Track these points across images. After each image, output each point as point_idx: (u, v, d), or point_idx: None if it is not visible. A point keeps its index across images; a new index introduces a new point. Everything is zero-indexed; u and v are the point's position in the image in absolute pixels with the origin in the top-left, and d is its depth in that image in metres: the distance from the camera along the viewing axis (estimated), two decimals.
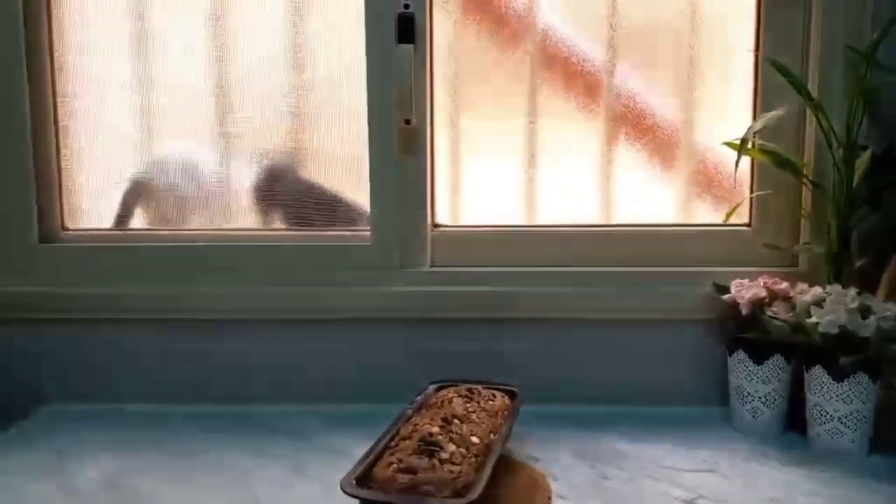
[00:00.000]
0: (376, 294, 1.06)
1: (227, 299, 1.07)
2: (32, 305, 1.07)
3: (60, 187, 1.11)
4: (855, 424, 0.90)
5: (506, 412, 0.88)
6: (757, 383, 0.97)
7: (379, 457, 0.75)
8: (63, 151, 1.11)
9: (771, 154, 0.99)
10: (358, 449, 0.89)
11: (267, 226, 1.12)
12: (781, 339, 0.94)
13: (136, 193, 1.12)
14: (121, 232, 1.12)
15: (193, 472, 0.88)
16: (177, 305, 1.07)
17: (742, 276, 1.02)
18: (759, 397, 0.97)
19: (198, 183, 1.12)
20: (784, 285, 0.98)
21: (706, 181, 1.10)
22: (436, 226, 1.11)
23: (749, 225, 1.09)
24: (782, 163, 0.99)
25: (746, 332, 0.98)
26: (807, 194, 1.03)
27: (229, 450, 0.94)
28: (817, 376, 0.92)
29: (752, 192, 1.08)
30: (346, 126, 1.09)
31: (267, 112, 1.10)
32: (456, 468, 0.71)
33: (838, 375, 0.90)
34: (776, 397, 0.97)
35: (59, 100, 1.10)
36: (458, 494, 0.68)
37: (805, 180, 1.01)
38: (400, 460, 0.72)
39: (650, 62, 1.08)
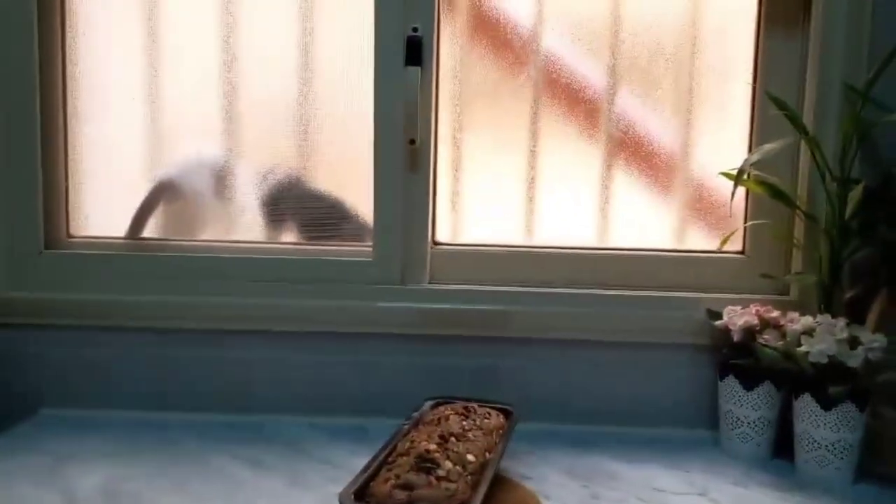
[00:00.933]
0: (376, 309, 1.08)
1: (228, 310, 1.08)
2: (36, 311, 1.08)
3: (67, 195, 1.12)
4: (841, 453, 0.92)
5: (501, 431, 0.89)
6: (747, 409, 0.99)
7: (377, 472, 0.76)
8: (70, 159, 1.12)
9: (766, 186, 1.02)
10: (354, 461, 0.90)
11: (272, 238, 1.14)
12: (772, 367, 0.96)
13: (161, 193, 1.13)
14: (124, 241, 1.13)
15: (191, 481, 0.89)
16: (178, 314, 1.08)
17: (735, 302, 1.04)
18: (749, 423, 0.99)
19: (201, 194, 1.14)
20: (775, 314, 1.00)
21: (702, 208, 1.13)
22: (436, 243, 1.13)
23: (743, 252, 1.11)
24: (777, 194, 1.02)
25: (738, 359, 1.00)
26: (800, 225, 1.06)
27: (227, 459, 0.95)
28: (806, 404, 0.94)
29: (746, 220, 1.10)
30: (351, 143, 1.11)
31: (273, 127, 1.12)
32: (452, 485, 0.72)
33: (826, 404, 0.92)
34: (765, 424, 0.99)
35: (68, 108, 1.11)
36: None
37: (798, 211, 1.03)
38: (397, 476, 0.73)
39: (650, 90, 1.11)
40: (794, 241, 1.07)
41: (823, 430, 0.92)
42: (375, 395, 1.09)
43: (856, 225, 0.97)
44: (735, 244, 1.11)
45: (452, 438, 0.80)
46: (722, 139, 1.11)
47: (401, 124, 1.06)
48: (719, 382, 1.02)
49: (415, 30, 1.05)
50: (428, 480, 0.72)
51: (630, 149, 1.12)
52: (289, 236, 1.14)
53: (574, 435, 1.05)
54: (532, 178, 1.13)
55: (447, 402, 0.95)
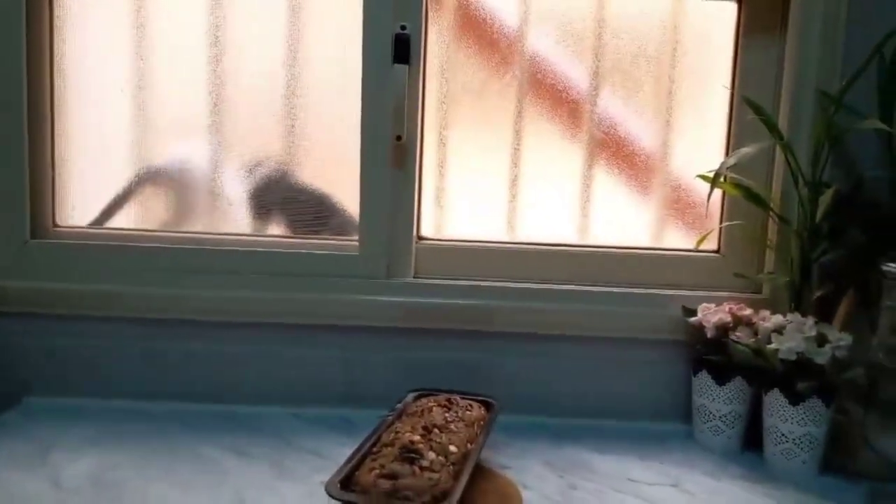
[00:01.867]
0: (362, 302, 1.10)
1: (214, 302, 1.09)
2: (21, 300, 1.09)
3: (53, 184, 1.13)
4: (808, 446, 0.96)
5: (482, 422, 0.92)
6: (719, 403, 1.02)
7: (362, 461, 0.78)
8: (57, 149, 1.13)
9: (741, 188, 1.05)
10: (339, 451, 0.93)
11: (259, 231, 1.15)
12: (743, 363, 1.00)
13: (144, 183, 1.14)
14: (110, 231, 1.14)
15: (177, 470, 0.91)
16: (163, 305, 1.10)
17: (710, 300, 1.07)
18: (720, 417, 1.02)
19: (189, 185, 1.15)
20: (748, 311, 1.03)
21: (680, 207, 1.16)
22: (421, 238, 1.15)
23: (718, 252, 1.15)
24: (751, 197, 1.05)
25: (711, 355, 1.03)
26: (773, 226, 1.09)
27: (213, 449, 0.97)
28: (775, 399, 0.97)
29: (722, 221, 1.14)
30: (338, 139, 1.12)
31: (260, 122, 1.13)
32: (435, 475, 0.75)
33: (794, 399, 0.95)
34: (736, 417, 1.02)
35: (55, 99, 1.11)
36: (436, 500, 0.72)
37: (772, 213, 1.06)
38: (382, 466, 0.75)
39: (632, 92, 1.13)
40: (768, 241, 1.10)
41: (791, 424, 0.96)
42: (360, 387, 1.11)
43: (826, 228, 1.01)
44: (711, 243, 1.14)
45: (435, 430, 0.83)
46: (700, 141, 1.14)
47: (388, 121, 1.08)
48: (693, 377, 1.06)
49: (403, 27, 1.07)
50: (412, 470, 0.74)
51: (611, 149, 1.15)
52: (276, 229, 1.16)
53: (553, 427, 1.08)
54: (515, 177, 1.15)
55: (430, 395, 0.97)
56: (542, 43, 1.13)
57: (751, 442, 1.03)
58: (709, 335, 1.03)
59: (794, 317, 0.98)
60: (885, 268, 0.89)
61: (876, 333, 0.93)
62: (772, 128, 1.00)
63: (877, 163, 1.03)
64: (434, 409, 0.89)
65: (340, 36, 1.11)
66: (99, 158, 1.13)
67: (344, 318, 1.10)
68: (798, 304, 1.02)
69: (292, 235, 1.15)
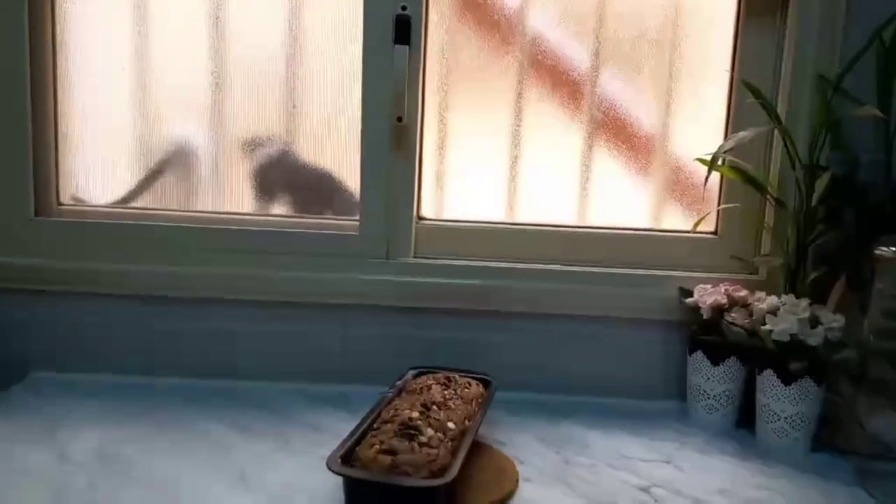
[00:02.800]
0: (362, 282, 1.11)
1: (216, 279, 1.11)
2: (26, 277, 1.10)
3: (56, 162, 1.14)
4: (799, 425, 0.98)
5: (480, 400, 0.94)
6: (713, 382, 1.04)
7: (362, 437, 0.80)
8: (60, 127, 1.13)
9: (739, 171, 1.06)
10: (339, 427, 0.95)
11: (260, 210, 1.16)
12: (737, 344, 1.02)
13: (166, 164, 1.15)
14: (113, 209, 1.15)
15: (180, 445, 0.93)
16: (165, 283, 1.11)
17: (706, 281, 1.09)
18: (714, 396, 1.04)
19: (190, 164, 1.15)
20: (743, 293, 1.05)
21: (678, 189, 1.17)
22: (421, 218, 1.16)
23: (715, 233, 1.16)
24: (748, 180, 1.06)
25: (706, 335, 1.05)
26: (770, 209, 1.10)
27: (215, 424, 0.99)
28: (768, 379, 0.99)
29: (720, 202, 1.15)
30: (339, 120, 1.13)
31: (261, 101, 1.13)
32: (433, 451, 0.76)
33: (787, 379, 0.97)
34: (729, 396, 1.04)
35: (58, 76, 1.12)
36: (434, 475, 0.74)
37: (769, 196, 1.07)
38: (382, 442, 0.77)
39: (633, 73, 1.14)
40: (764, 224, 1.11)
41: (783, 403, 0.98)
42: (360, 365, 1.13)
43: (822, 211, 1.02)
44: (708, 225, 1.15)
45: (434, 407, 0.85)
46: (700, 124, 1.14)
47: (388, 102, 1.09)
48: (688, 357, 1.08)
49: (403, 8, 1.07)
50: (410, 446, 0.76)
51: (611, 130, 1.15)
52: (277, 209, 1.17)
53: (549, 404, 1.10)
54: (515, 157, 1.16)
55: (429, 372, 0.99)
56: (543, 24, 1.13)
57: (744, 420, 1.05)
58: (704, 316, 1.05)
59: (789, 298, 1.00)
60: (877, 251, 0.90)
61: (867, 315, 0.95)
62: (770, 112, 1.01)
63: (873, 146, 1.04)
64: (433, 386, 0.91)
65: (341, 17, 1.11)
66: (102, 136, 1.14)
67: (344, 297, 1.11)
68: (793, 285, 1.04)
69: (293, 215, 1.16)
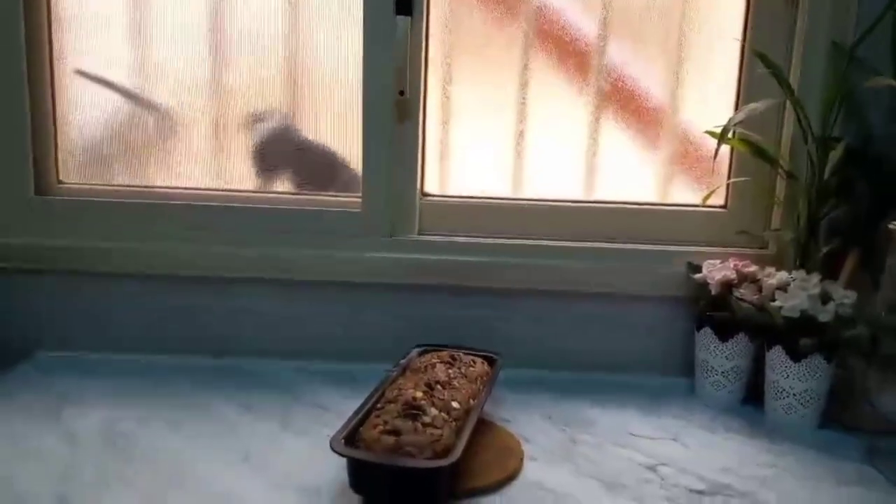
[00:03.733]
0: (365, 259, 1.10)
1: (218, 258, 1.10)
2: (27, 256, 1.10)
3: (56, 139, 1.12)
4: (808, 401, 0.97)
5: (485, 378, 0.93)
6: (721, 359, 1.03)
7: (365, 418, 0.80)
8: (58, 103, 1.12)
9: (749, 144, 1.04)
10: (343, 404, 0.94)
11: (263, 187, 1.15)
12: (746, 320, 1.00)
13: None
14: (114, 187, 1.14)
15: (185, 424, 0.93)
16: (167, 261, 1.10)
17: (716, 255, 1.07)
18: (722, 372, 1.03)
19: (191, 140, 1.14)
20: (753, 268, 1.03)
21: (687, 162, 1.14)
22: (424, 194, 1.14)
23: (725, 207, 1.14)
24: (759, 152, 1.03)
25: (715, 311, 1.03)
26: (781, 182, 1.08)
27: (220, 403, 0.99)
28: (777, 355, 0.98)
29: (729, 176, 1.12)
30: (340, 94, 1.11)
31: (261, 74, 1.11)
32: (437, 431, 0.76)
33: (796, 356, 0.96)
34: (738, 373, 1.03)
35: (55, 53, 1.10)
36: (438, 456, 0.73)
37: (780, 169, 1.05)
38: (385, 422, 0.77)
39: (641, 44, 1.11)
40: (775, 198, 1.09)
41: (792, 380, 0.97)
42: (363, 343, 1.12)
43: (834, 184, 1.00)
44: (718, 199, 1.13)
45: (438, 386, 0.84)
46: (710, 95, 1.12)
47: (390, 75, 1.06)
48: (696, 333, 1.06)
49: None
50: (414, 427, 0.76)
51: (619, 102, 1.13)
52: (279, 186, 1.15)
53: (555, 382, 1.09)
54: (521, 131, 1.14)
55: (434, 350, 0.98)
56: None
57: (752, 397, 1.04)
58: (713, 292, 1.03)
59: (799, 274, 0.98)
60: (891, 225, 0.88)
61: (879, 291, 0.93)
62: (782, 82, 0.98)
63: (888, 118, 1.01)
64: (437, 365, 0.90)
65: None
66: (101, 111, 1.12)
67: (348, 275, 1.10)
68: (804, 261, 1.02)
69: (296, 192, 1.15)
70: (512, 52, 1.11)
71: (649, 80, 1.12)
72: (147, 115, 1.13)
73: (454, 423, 0.79)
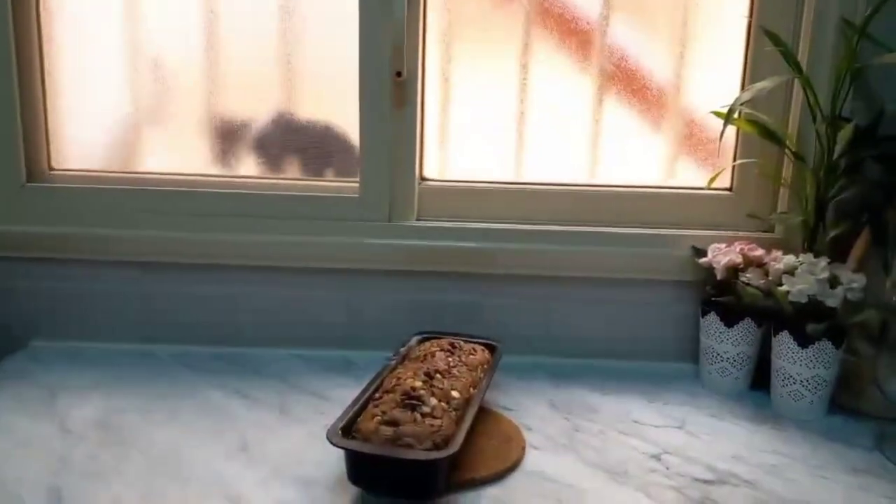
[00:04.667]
0: (364, 246, 1.08)
1: (215, 245, 1.08)
2: (20, 244, 1.08)
3: (46, 126, 1.10)
4: (816, 388, 0.95)
5: (486, 366, 0.91)
6: (727, 345, 1.01)
7: (363, 408, 0.78)
8: (49, 91, 1.09)
9: (756, 125, 1.01)
10: (341, 392, 0.93)
11: (259, 173, 1.13)
12: (753, 305, 0.98)
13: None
14: (107, 174, 1.12)
15: (182, 413, 0.92)
16: (162, 248, 1.08)
17: (721, 239, 1.05)
18: (728, 358, 1.01)
19: (185, 126, 1.11)
20: (759, 252, 1.01)
21: (692, 144, 1.12)
22: (423, 179, 1.12)
23: (730, 190, 1.11)
24: (766, 133, 1.01)
25: (720, 296, 1.01)
26: (788, 163, 1.05)
27: (217, 391, 0.97)
28: (784, 341, 0.96)
29: (735, 158, 1.10)
30: (336, 76, 1.08)
31: (256, 56, 1.09)
32: (437, 422, 0.74)
33: (804, 342, 0.94)
34: (744, 359, 1.01)
35: (44, 39, 1.07)
36: (437, 447, 0.72)
37: (787, 151, 1.02)
38: (384, 413, 0.75)
39: (644, 22, 1.08)
40: (782, 179, 1.06)
41: (800, 366, 0.95)
42: (362, 330, 1.10)
43: (843, 165, 0.97)
44: (723, 181, 1.11)
45: (438, 375, 0.82)
46: (715, 74, 1.09)
47: (387, 56, 1.04)
48: (701, 318, 1.04)
49: None
50: (413, 417, 0.74)
51: (622, 82, 1.10)
52: (276, 172, 1.13)
53: (557, 368, 1.07)
54: (521, 113, 1.11)
55: (434, 338, 0.96)
56: None
57: (758, 383, 1.02)
58: (718, 276, 1.01)
59: (807, 257, 0.95)
60: None
61: (889, 274, 0.91)
62: (790, 60, 0.95)
63: None
64: (437, 353, 0.88)
65: None
66: (92, 99, 1.10)
67: (346, 261, 1.08)
68: (811, 244, 1.00)
69: (291, 178, 1.12)
70: (512, 31, 1.08)
71: (653, 59, 1.09)
72: (141, 100, 1.10)
73: (454, 413, 0.77)
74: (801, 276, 0.93)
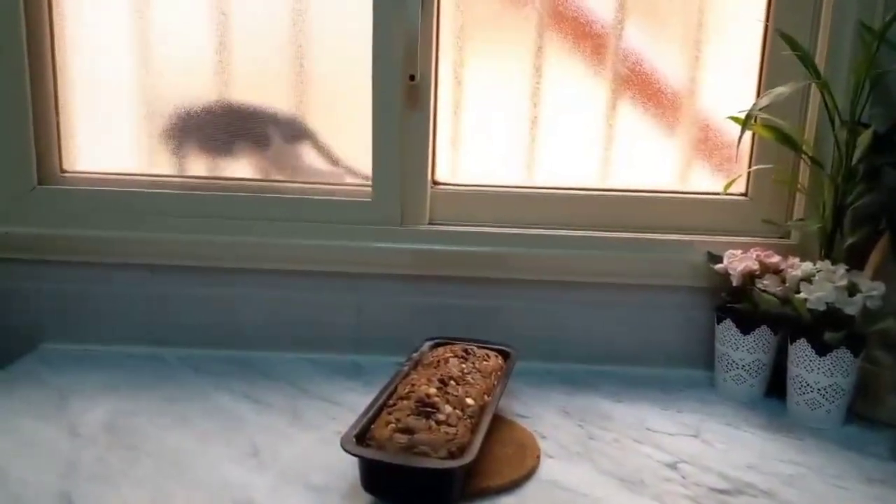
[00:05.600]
0: (375, 250, 1.07)
1: (225, 247, 1.07)
2: (31, 247, 1.07)
3: (58, 129, 1.10)
4: (833, 397, 0.94)
5: (499, 373, 0.90)
6: (742, 352, 1.00)
7: (377, 415, 0.77)
8: (60, 93, 1.09)
9: (773, 130, 1.00)
10: (352, 397, 0.92)
11: (268, 175, 1.12)
12: (769, 312, 0.97)
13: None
14: (118, 176, 1.11)
15: (191, 417, 0.91)
16: (173, 251, 1.08)
17: (736, 245, 1.04)
18: (744, 366, 1.00)
19: (196, 128, 1.11)
20: (776, 259, 1.00)
21: (707, 149, 1.11)
22: (436, 183, 1.11)
23: (746, 195, 1.10)
24: (783, 138, 1.00)
25: (736, 303, 1.00)
26: (805, 169, 1.04)
27: (226, 395, 0.97)
28: (801, 349, 0.94)
29: (751, 163, 1.09)
30: (349, 79, 1.08)
31: (267, 59, 1.08)
32: (452, 430, 0.73)
33: (821, 350, 0.92)
34: (760, 367, 1.00)
35: (56, 42, 1.07)
36: (453, 455, 0.71)
37: (804, 156, 1.01)
38: (398, 420, 0.74)
39: (660, 25, 1.07)
40: (799, 185, 1.05)
41: (817, 374, 0.93)
42: (373, 334, 1.09)
43: (861, 170, 0.96)
44: (739, 187, 1.10)
45: (452, 382, 0.81)
46: (731, 78, 1.08)
47: (400, 59, 1.03)
48: (716, 325, 1.03)
49: None
50: (428, 425, 0.73)
51: (636, 86, 1.09)
52: (285, 174, 1.12)
53: (571, 375, 1.06)
54: (535, 117, 1.10)
55: (447, 344, 0.95)
56: None
57: (774, 391, 1.01)
58: (734, 283, 1.00)
59: (825, 265, 0.94)
60: None
61: None
62: (808, 64, 0.94)
63: None
64: (450, 360, 0.87)
65: None
66: (103, 101, 1.09)
67: (357, 265, 1.07)
68: (829, 251, 0.99)
69: (303, 181, 1.12)
70: (526, 34, 1.08)
71: (668, 63, 1.08)
72: (153, 103, 1.10)
73: (469, 421, 0.77)
74: (819, 283, 0.92)
